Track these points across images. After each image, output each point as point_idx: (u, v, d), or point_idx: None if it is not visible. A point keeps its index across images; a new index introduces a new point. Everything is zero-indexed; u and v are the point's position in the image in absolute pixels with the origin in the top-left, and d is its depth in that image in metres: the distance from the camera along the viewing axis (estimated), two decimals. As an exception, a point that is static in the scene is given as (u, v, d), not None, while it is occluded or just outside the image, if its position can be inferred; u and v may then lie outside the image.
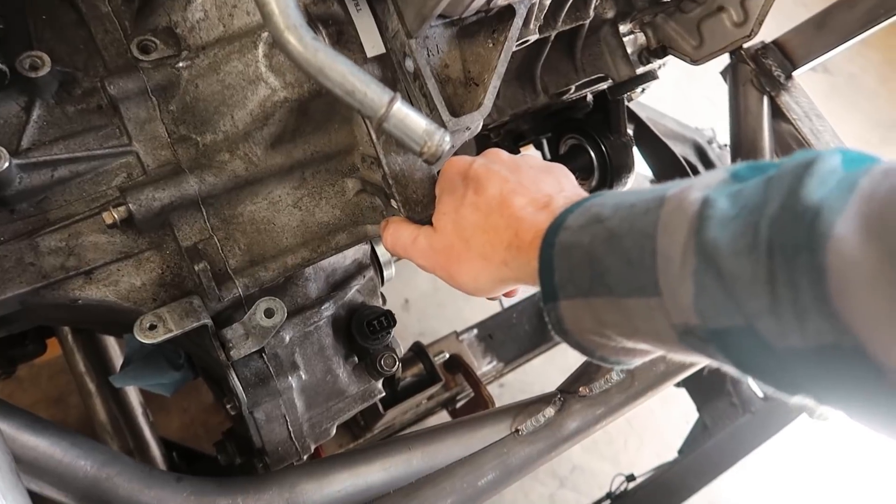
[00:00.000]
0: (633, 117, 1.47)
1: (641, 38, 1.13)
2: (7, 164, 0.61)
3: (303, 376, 0.83)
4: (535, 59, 0.97)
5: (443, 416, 1.56)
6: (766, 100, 1.18)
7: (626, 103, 1.17)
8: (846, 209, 0.37)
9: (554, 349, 1.72)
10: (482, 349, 1.62)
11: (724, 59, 1.22)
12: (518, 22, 0.69)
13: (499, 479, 0.86)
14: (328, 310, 0.85)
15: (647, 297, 0.47)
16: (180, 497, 0.73)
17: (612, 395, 0.94)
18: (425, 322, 2.16)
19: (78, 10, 0.70)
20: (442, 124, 0.67)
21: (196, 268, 0.69)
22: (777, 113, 1.18)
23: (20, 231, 0.66)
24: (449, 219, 0.65)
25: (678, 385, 1.54)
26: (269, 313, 0.73)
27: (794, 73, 1.18)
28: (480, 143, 1.20)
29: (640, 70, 1.12)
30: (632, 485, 1.38)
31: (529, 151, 1.28)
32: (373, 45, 0.70)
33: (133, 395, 1.23)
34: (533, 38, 0.78)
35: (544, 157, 1.32)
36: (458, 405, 1.54)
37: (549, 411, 0.91)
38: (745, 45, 1.17)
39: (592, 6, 0.92)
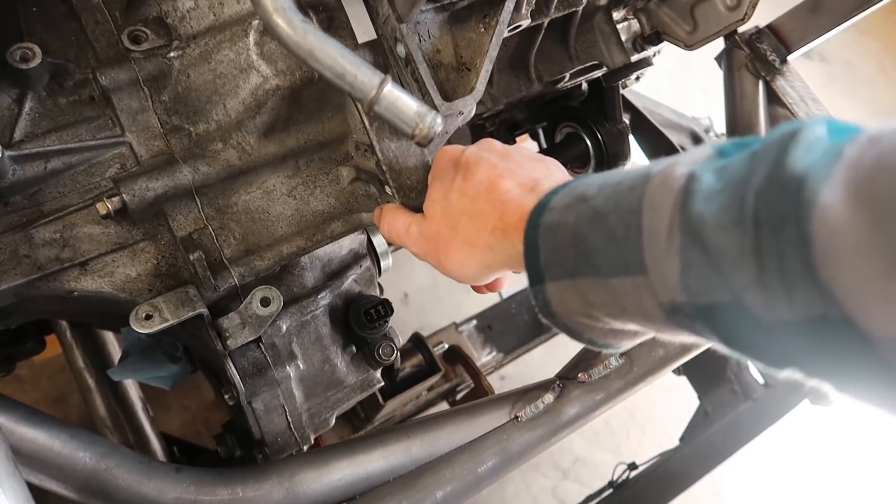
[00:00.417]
0: (630, 106, 1.47)
1: (635, 24, 1.13)
2: (0, 157, 0.61)
3: (301, 366, 0.83)
4: (529, 47, 0.97)
5: (443, 408, 1.56)
6: (761, 84, 1.17)
7: (621, 91, 1.17)
8: (832, 177, 0.36)
9: (553, 339, 1.72)
10: (481, 340, 1.62)
11: (717, 46, 1.22)
12: (509, 5, 0.69)
13: (499, 466, 0.86)
14: (325, 299, 0.85)
15: (633, 275, 0.46)
16: (180, 487, 0.73)
17: (611, 381, 0.94)
18: (424, 317, 2.16)
19: (68, 1, 0.70)
20: (434, 109, 0.67)
21: (191, 257, 0.69)
22: (773, 97, 1.17)
23: (14, 223, 0.66)
24: (438, 206, 0.65)
25: (679, 373, 1.54)
26: (265, 302, 0.73)
27: (789, 58, 1.17)
28: (476, 133, 1.19)
29: (635, 57, 1.11)
30: (634, 473, 1.38)
31: (525, 144, 1.27)
32: (364, 30, 0.70)
33: (133, 391, 1.23)
34: (525, 23, 0.77)
35: (540, 147, 1.32)
36: (459, 396, 1.54)
37: (549, 398, 0.91)
38: (740, 30, 1.17)
39: (585, -8, 0.92)
